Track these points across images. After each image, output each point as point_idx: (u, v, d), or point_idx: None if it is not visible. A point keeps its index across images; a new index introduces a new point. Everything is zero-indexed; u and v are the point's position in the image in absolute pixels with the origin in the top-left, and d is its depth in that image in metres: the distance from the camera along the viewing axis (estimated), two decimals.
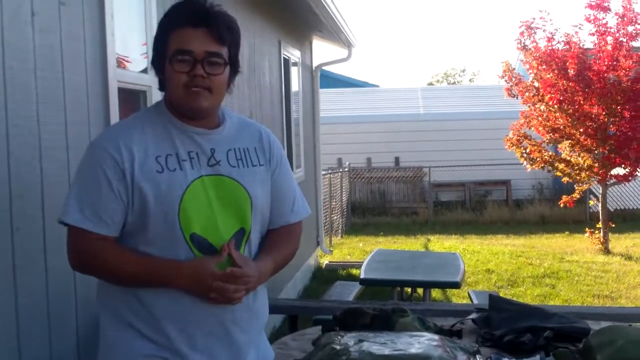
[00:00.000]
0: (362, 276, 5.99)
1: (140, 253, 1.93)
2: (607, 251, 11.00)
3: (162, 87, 2.03)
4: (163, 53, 1.94)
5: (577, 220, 14.10)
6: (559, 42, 11.30)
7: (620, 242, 11.90)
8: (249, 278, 1.93)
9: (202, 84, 1.92)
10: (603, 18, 11.01)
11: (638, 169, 11.21)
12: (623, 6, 10.99)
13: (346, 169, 15.89)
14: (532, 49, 11.39)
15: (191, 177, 1.94)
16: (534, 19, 11.44)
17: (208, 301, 1.92)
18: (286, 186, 2.17)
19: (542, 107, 11.39)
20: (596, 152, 11.07)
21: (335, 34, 9.11)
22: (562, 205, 11.78)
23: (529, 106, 11.73)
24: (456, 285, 5.81)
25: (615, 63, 10.79)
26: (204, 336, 1.96)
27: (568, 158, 11.37)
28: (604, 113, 10.88)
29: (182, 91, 1.92)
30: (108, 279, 1.97)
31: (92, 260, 1.94)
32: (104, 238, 1.91)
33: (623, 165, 11.15)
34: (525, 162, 11.73)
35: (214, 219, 1.95)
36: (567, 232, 13.11)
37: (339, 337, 2.30)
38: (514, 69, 12.00)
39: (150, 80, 3.79)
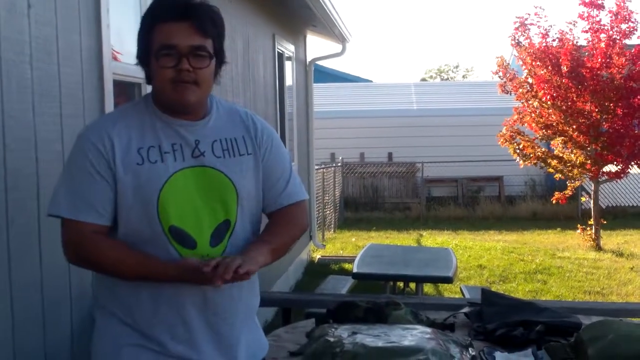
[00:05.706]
0: (355, 270, 6.00)
1: (133, 248, 1.91)
2: (598, 248, 11.04)
3: (149, 81, 2.03)
4: (148, 48, 1.94)
5: (569, 217, 14.14)
6: (553, 39, 11.33)
7: (612, 239, 11.95)
8: (232, 261, 1.81)
9: (189, 78, 1.92)
10: (597, 15, 11.05)
11: (630, 166, 11.26)
12: (617, 4, 11.02)
13: (339, 164, 15.90)
14: (527, 46, 11.42)
15: (173, 169, 1.94)
16: (528, 15, 11.47)
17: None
18: (278, 170, 2.11)
19: (536, 104, 11.41)
20: (589, 149, 11.10)
21: (329, 28, 9.10)
22: (554, 201, 11.84)
23: (522, 102, 11.75)
24: (448, 280, 5.83)
25: (608, 60, 10.82)
26: (185, 327, 1.96)
27: (561, 155, 11.40)
28: (596, 110, 10.91)
29: (169, 86, 1.93)
30: (105, 272, 1.96)
31: (89, 254, 1.92)
32: (99, 229, 1.91)
33: (615, 162, 11.18)
34: (518, 159, 11.75)
35: (194, 211, 1.95)
36: (559, 229, 13.15)
37: (333, 330, 2.31)
38: (508, 64, 12.02)
39: None
